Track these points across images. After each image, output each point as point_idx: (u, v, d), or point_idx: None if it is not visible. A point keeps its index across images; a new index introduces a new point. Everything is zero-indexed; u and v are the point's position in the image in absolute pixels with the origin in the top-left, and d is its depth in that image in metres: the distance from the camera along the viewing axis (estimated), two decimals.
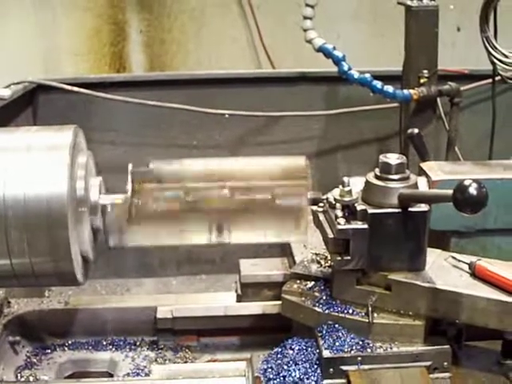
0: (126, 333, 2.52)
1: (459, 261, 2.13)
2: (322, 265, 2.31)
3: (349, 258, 2.02)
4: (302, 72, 3.73)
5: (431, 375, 2.01)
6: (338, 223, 2.00)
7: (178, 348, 2.49)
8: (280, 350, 2.17)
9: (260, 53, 5.21)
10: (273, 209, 1.92)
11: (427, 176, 2.45)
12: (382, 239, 2.02)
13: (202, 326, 2.50)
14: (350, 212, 2.04)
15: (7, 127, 2.82)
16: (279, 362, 2.11)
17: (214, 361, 2.45)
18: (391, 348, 2.04)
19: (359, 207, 2.02)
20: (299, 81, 3.72)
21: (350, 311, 2.10)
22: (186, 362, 2.43)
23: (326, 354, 2.03)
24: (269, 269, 2.56)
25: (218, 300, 2.60)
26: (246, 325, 2.48)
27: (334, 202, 2.06)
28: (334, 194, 2.08)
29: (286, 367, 2.07)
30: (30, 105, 3.59)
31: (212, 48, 5.16)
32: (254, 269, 2.56)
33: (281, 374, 2.06)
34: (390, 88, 3.14)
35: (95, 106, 3.56)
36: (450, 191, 1.73)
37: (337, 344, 2.04)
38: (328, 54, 3.16)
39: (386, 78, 3.22)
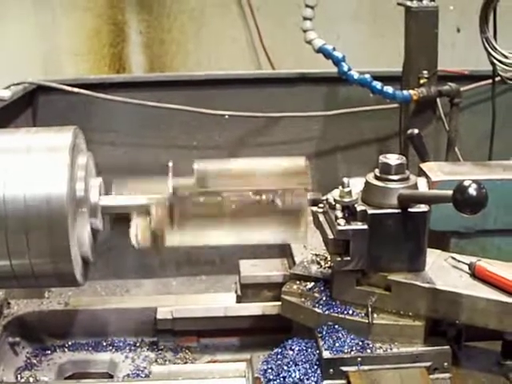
0: (125, 334, 2.52)
1: (459, 261, 2.13)
2: (321, 265, 2.31)
3: (349, 258, 2.02)
4: (301, 73, 3.73)
5: (431, 376, 2.02)
6: (338, 224, 2.01)
7: (177, 349, 2.49)
8: (280, 350, 2.17)
9: (260, 53, 5.21)
10: (273, 209, 1.91)
11: (427, 176, 2.45)
12: (381, 240, 2.02)
13: (202, 327, 2.50)
14: (349, 213, 2.04)
15: (7, 128, 2.82)
16: (279, 362, 2.11)
17: (214, 361, 2.45)
18: (391, 349, 2.04)
19: (359, 208, 2.02)
20: (299, 81, 3.72)
21: (350, 312, 2.10)
22: (185, 363, 2.43)
23: (326, 354, 2.03)
24: (269, 269, 2.56)
25: (218, 301, 2.60)
26: (246, 325, 2.48)
27: (333, 203, 2.06)
28: (334, 194, 2.08)
29: (285, 368, 2.07)
30: (30, 106, 3.59)
31: (212, 48, 5.16)
32: (253, 269, 2.56)
33: (281, 375, 2.06)
34: (389, 89, 3.14)
35: (95, 106, 3.56)
36: (450, 192, 1.73)
37: (337, 345, 2.04)
38: (328, 55, 3.16)
39: (386, 79, 3.22)
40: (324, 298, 2.15)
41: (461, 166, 2.77)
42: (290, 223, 1.93)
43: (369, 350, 2.03)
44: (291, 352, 2.13)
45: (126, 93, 3.51)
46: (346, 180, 2.06)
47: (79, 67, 4.98)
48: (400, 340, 2.05)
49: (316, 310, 2.13)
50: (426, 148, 2.67)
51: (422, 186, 2.39)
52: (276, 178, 1.93)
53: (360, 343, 2.05)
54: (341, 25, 5.02)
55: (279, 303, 2.27)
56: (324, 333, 2.08)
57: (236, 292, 2.57)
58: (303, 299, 2.18)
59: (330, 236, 2.04)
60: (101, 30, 5.04)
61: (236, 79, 3.71)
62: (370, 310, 2.06)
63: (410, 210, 2.01)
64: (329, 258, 2.29)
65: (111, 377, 2.39)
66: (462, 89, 3.24)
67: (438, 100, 3.27)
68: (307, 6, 3.23)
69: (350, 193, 2.05)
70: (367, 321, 2.06)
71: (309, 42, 3.24)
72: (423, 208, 2.02)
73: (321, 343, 2.06)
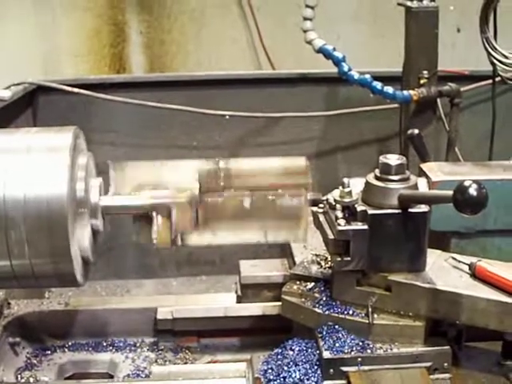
0: (126, 334, 2.52)
1: (459, 262, 2.13)
2: (322, 266, 2.31)
3: (349, 258, 2.02)
4: (302, 73, 3.73)
5: (431, 376, 2.02)
6: (338, 224, 2.00)
7: (178, 349, 2.49)
8: (280, 350, 2.17)
9: (260, 54, 5.21)
10: (273, 209, 1.92)
11: (427, 177, 2.45)
12: (382, 240, 2.02)
13: (202, 327, 2.50)
14: (350, 213, 2.04)
15: (7, 128, 2.82)
16: (279, 362, 2.11)
17: (215, 362, 2.45)
18: (391, 349, 2.04)
19: (359, 208, 2.02)
20: (299, 82, 3.73)
21: (350, 312, 2.10)
22: (186, 363, 2.43)
23: (326, 354, 2.03)
24: (269, 270, 2.56)
25: (218, 301, 2.60)
26: (246, 326, 2.48)
27: (334, 203, 2.06)
28: (334, 194, 2.08)
29: (286, 368, 2.07)
30: (30, 106, 3.59)
31: (212, 49, 5.16)
32: (253, 270, 2.56)
33: (281, 375, 2.06)
34: (390, 89, 3.14)
35: (95, 107, 3.56)
36: (450, 192, 1.73)
37: (337, 345, 2.04)
38: (328, 55, 3.16)
39: (386, 79, 3.22)
40: (324, 299, 2.15)
41: (461, 166, 2.77)
42: (291, 223, 1.93)
43: (369, 351, 2.03)
44: (291, 352, 2.13)
45: (126, 93, 3.51)
46: (346, 180, 2.06)
47: (79, 67, 4.98)
48: (400, 340, 2.05)
49: (316, 310, 2.13)
50: (427, 148, 2.67)
51: (423, 187, 2.39)
52: (276, 178, 1.93)
53: (360, 343, 2.05)
54: (341, 25, 5.03)
55: (279, 303, 2.27)
56: (324, 333, 2.08)
57: (236, 292, 2.57)
58: (303, 299, 2.18)
59: (331, 236, 2.04)
60: (101, 30, 5.04)
61: (236, 79, 3.71)
62: (370, 310, 2.06)
63: (410, 210, 2.01)
64: (329, 259, 2.29)
65: (111, 377, 2.39)
66: (462, 89, 3.24)
67: (438, 100, 3.27)
68: (307, 6, 3.23)
69: (350, 193, 2.05)
70: (367, 321, 2.06)
71: (309, 43, 3.24)
72: (423, 208, 2.02)
73: (321, 343, 2.06)
